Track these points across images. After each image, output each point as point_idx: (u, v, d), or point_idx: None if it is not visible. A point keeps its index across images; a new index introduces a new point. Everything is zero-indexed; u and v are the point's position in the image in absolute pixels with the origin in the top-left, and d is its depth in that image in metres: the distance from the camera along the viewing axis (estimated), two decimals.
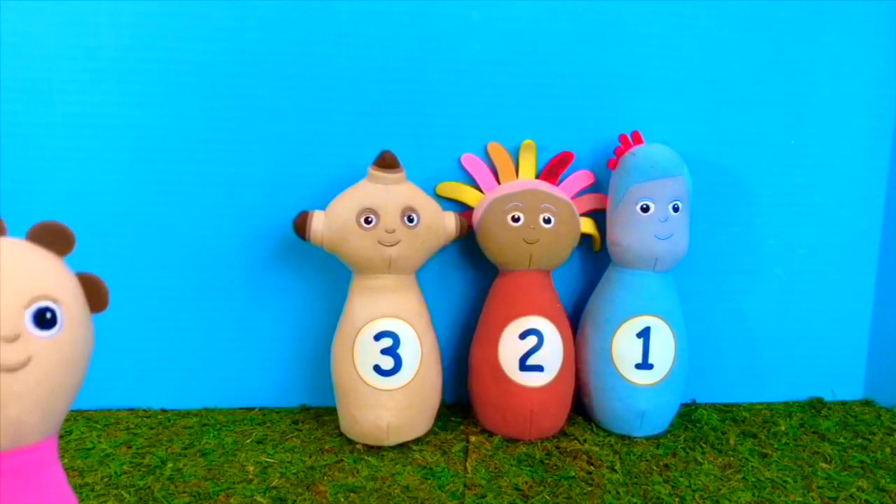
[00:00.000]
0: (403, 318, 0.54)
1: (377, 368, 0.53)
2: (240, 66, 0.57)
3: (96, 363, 0.59)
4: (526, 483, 0.49)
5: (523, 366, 0.55)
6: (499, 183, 0.59)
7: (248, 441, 0.55)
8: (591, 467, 0.52)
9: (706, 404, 0.65)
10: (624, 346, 0.56)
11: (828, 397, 0.67)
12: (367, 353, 0.53)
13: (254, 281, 0.60)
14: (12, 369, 0.24)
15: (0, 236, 0.27)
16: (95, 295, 0.28)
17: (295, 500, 0.46)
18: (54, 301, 0.25)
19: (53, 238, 0.27)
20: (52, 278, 0.26)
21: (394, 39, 0.57)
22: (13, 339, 0.24)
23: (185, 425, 0.58)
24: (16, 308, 0.24)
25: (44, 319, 0.25)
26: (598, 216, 0.60)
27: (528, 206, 0.55)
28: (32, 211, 0.57)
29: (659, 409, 0.56)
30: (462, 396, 0.62)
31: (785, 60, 0.61)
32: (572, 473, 0.50)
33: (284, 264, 0.60)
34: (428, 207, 0.54)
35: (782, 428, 0.60)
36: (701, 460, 0.53)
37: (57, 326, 0.25)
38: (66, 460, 0.51)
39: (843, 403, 0.66)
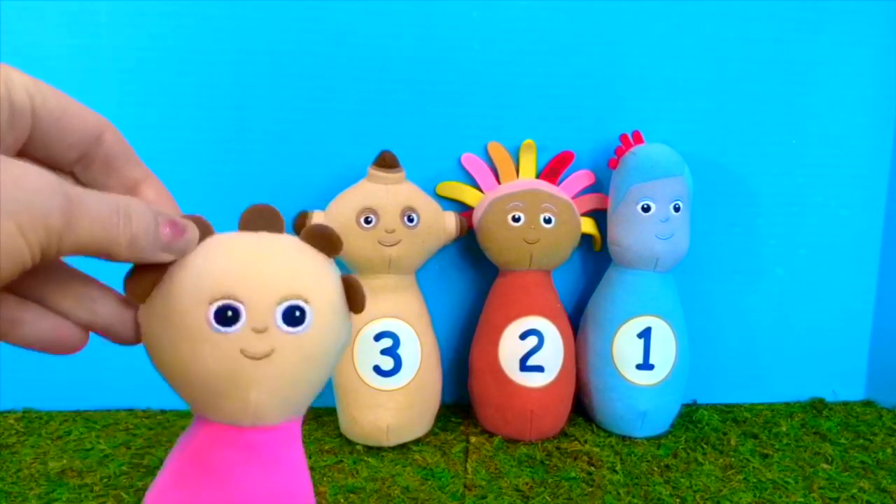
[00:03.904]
0: (403, 318, 0.53)
1: (377, 369, 0.53)
2: (240, 65, 0.57)
3: (96, 363, 0.60)
4: (526, 484, 0.49)
5: (524, 366, 0.55)
6: (499, 183, 0.59)
7: None
8: (592, 468, 0.52)
9: (707, 405, 0.65)
10: (624, 347, 0.56)
11: (829, 398, 0.66)
12: (367, 354, 0.53)
13: None
14: (255, 358, 0.26)
15: (275, 232, 0.28)
16: (354, 297, 0.29)
17: None
18: (306, 301, 0.27)
19: (322, 241, 0.29)
20: (310, 280, 0.27)
21: (394, 39, 0.57)
22: (261, 331, 0.26)
23: (185, 426, 0.57)
24: (269, 304, 0.26)
25: (293, 318, 0.26)
26: (599, 216, 0.60)
27: (529, 205, 0.55)
28: None
29: (660, 409, 0.56)
30: (462, 397, 0.62)
31: (785, 60, 0.61)
32: (573, 474, 0.50)
33: None
34: (428, 207, 0.54)
35: (783, 428, 0.59)
36: (702, 461, 0.53)
37: (304, 325, 0.26)
38: (64, 461, 0.51)
39: (845, 404, 0.66)
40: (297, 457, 0.30)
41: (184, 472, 0.29)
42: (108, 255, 0.22)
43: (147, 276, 0.26)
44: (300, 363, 0.27)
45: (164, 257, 0.25)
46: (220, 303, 0.25)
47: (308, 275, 0.28)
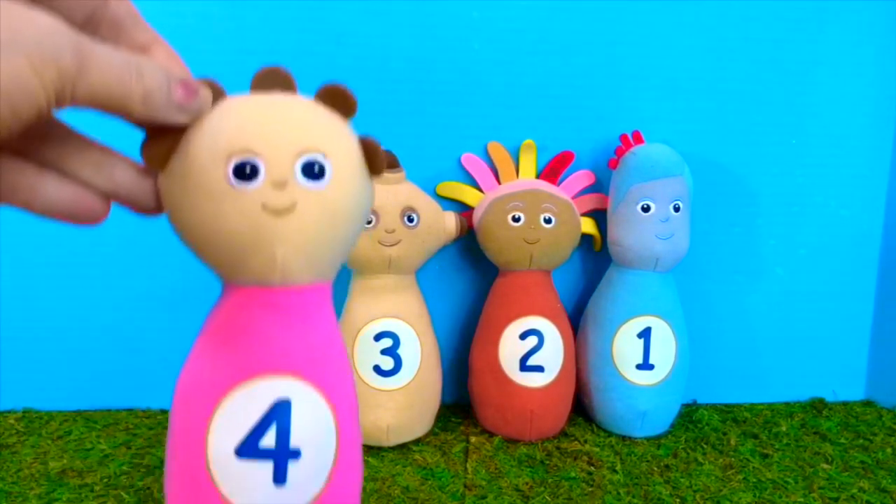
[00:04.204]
0: (403, 318, 0.53)
1: (377, 369, 0.53)
2: (240, 65, 0.57)
3: (96, 363, 0.60)
4: (526, 484, 0.49)
5: (524, 366, 0.55)
6: (499, 183, 0.59)
7: None
8: (592, 468, 0.52)
9: (707, 405, 0.65)
10: (624, 347, 0.56)
11: (829, 398, 0.66)
12: (367, 354, 0.53)
13: None
14: (278, 212, 0.26)
15: (288, 92, 0.29)
16: (373, 157, 0.29)
17: None
18: (325, 156, 0.27)
19: (338, 100, 0.29)
20: (327, 135, 0.27)
21: (394, 39, 0.57)
22: (281, 184, 0.26)
23: None
24: (287, 157, 0.26)
25: (312, 172, 0.26)
26: (599, 216, 0.60)
27: (529, 205, 0.55)
28: None
29: (660, 409, 0.56)
30: (462, 397, 0.62)
31: (785, 60, 0.61)
32: (573, 474, 0.50)
33: None
34: (428, 207, 0.54)
35: (783, 428, 0.59)
36: (702, 461, 0.53)
37: (325, 179, 0.27)
38: (65, 461, 0.51)
39: (845, 404, 0.66)
40: (331, 321, 0.30)
41: (218, 336, 0.29)
42: (122, 111, 0.22)
43: (163, 141, 0.26)
44: (323, 218, 0.27)
45: (179, 118, 0.25)
46: (238, 158, 0.25)
47: (325, 130, 0.28)
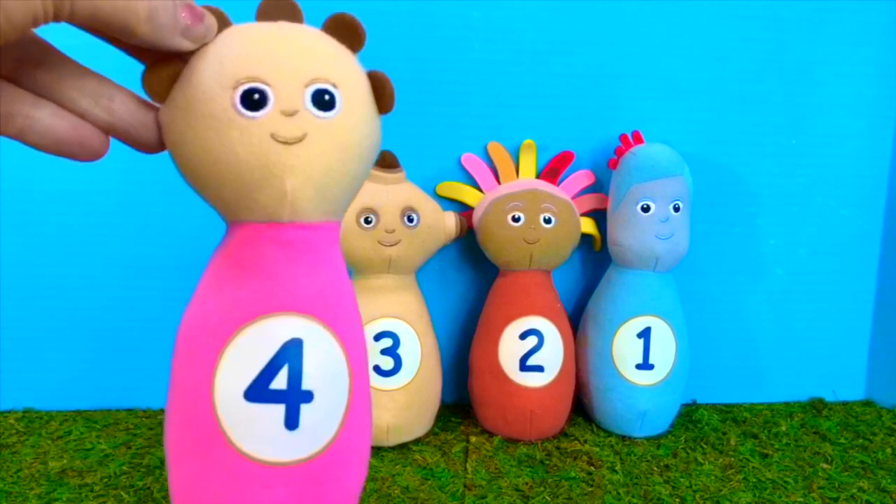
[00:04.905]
0: (403, 318, 0.53)
1: (377, 369, 0.53)
2: None
3: (96, 363, 0.60)
4: (526, 484, 0.49)
5: (523, 366, 0.55)
6: (499, 183, 0.59)
7: None
8: (592, 468, 0.52)
9: (707, 404, 0.65)
10: (624, 347, 0.56)
11: (829, 398, 0.66)
12: (367, 354, 0.52)
13: None
14: (288, 142, 0.25)
15: (295, 22, 0.27)
16: (382, 92, 0.28)
17: None
18: (334, 86, 0.26)
19: (346, 31, 0.28)
20: (336, 65, 0.27)
21: (394, 39, 0.57)
22: (291, 114, 0.25)
23: None
24: (297, 86, 0.25)
25: (322, 101, 0.26)
26: (599, 216, 0.60)
27: (529, 205, 0.55)
28: (33, 211, 0.57)
29: (659, 409, 0.56)
30: (462, 397, 0.62)
31: (785, 60, 0.61)
32: (573, 474, 0.50)
33: None
34: (428, 207, 0.54)
35: (783, 428, 0.59)
36: (702, 461, 0.53)
37: (335, 110, 0.26)
38: (65, 460, 0.51)
39: (844, 404, 0.66)
40: (341, 262, 0.29)
41: (224, 275, 0.27)
42: (125, 30, 0.21)
43: (165, 70, 0.25)
44: (333, 149, 0.26)
45: (183, 44, 0.24)
46: (245, 86, 0.25)
47: (335, 60, 0.27)
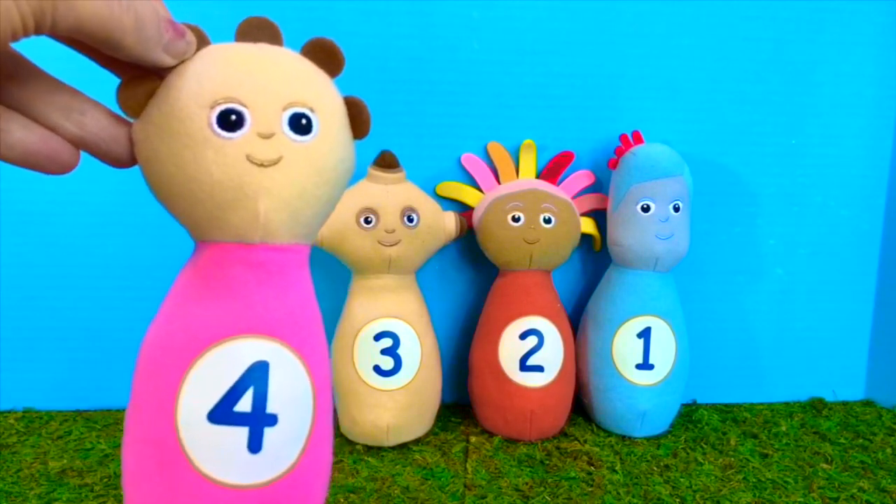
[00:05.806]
0: (403, 318, 0.53)
1: (377, 369, 0.53)
2: None
3: (96, 363, 0.60)
4: (526, 484, 0.49)
5: (523, 366, 0.55)
6: (499, 183, 0.59)
7: None
8: (592, 468, 0.52)
9: (707, 404, 0.65)
10: (624, 347, 0.56)
11: (829, 397, 0.66)
12: (367, 354, 0.53)
13: None
14: (263, 164, 0.25)
15: (275, 45, 0.27)
16: (358, 118, 0.28)
17: None
18: (311, 110, 0.26)
19: (325, 56, 0.28)
20: (314, 90, 0.27)
21: (394, 39, 0.57)
22: (268, 136, 0.25)
23: None
24: (274, 109, 0.25)
25: (299, 125, 0.26)
26: (599, 216, 0.60)
27: (529, 205, 0.55)
28: (32, 211, 0.57)
29: (659, 409, 0.56)
30: (462, 397, 0.62)
31: (785, 60, 0.61)
32: (573, 474, 0.50)
33: None
34: (428, 207, 0.54)
35: (783, 428, 0.59)
36: (702, 461, 0.53)
37: (312, 134, 0.26)
38: (65, 460, 0.51)
39: (844, 404, 0.66)
40: (309, 286, 0.29)
41: (191, 295, 0.27)
42: (110, 43, 0.21)
43: (141, 86, 0.25)
44: (309, 173, 0.26)
45: (164, 59, 0.24)
46: (223, 106, 0.24)
47: (313, 84, 0.27)
